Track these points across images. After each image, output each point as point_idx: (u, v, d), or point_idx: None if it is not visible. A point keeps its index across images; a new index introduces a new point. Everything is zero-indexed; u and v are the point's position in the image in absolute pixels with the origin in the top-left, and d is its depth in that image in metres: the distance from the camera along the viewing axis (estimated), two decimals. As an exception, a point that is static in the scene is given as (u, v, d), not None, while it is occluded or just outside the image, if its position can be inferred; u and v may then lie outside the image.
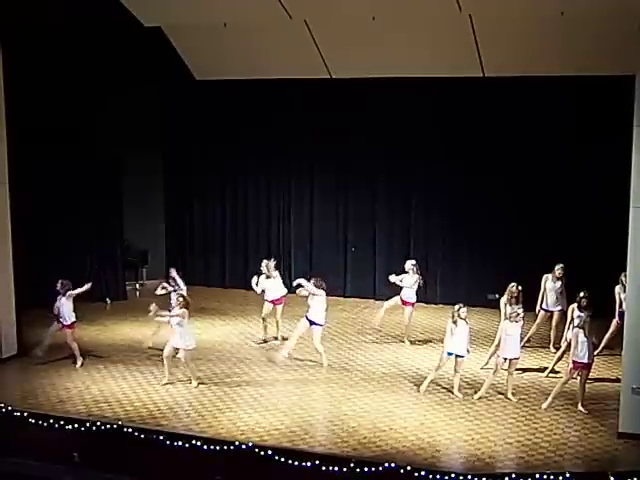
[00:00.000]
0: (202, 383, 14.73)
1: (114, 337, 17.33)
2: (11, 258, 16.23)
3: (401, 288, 17.00)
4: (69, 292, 15.59)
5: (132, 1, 16.97)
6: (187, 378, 14.94)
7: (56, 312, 15.58)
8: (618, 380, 13.78)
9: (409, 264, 16.98)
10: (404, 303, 17.03)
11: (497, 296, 16.01)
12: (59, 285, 15.69)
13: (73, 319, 15.68)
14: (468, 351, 14.30)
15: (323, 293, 15.65)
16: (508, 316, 14.23)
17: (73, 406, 13.82)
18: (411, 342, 17.07)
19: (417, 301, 19.51)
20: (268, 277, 16.90)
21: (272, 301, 16.88)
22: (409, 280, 16.87)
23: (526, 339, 16.10)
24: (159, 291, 16.57)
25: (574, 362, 13.46)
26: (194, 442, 12.36)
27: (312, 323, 15.58)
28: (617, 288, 15.32)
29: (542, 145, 18.44)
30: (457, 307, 14.11)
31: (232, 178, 21.42)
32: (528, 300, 15.56)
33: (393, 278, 16.95)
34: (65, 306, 15.57)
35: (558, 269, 16.22)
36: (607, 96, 17.14)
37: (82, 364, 15.69)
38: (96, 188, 19.84)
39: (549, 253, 17.33)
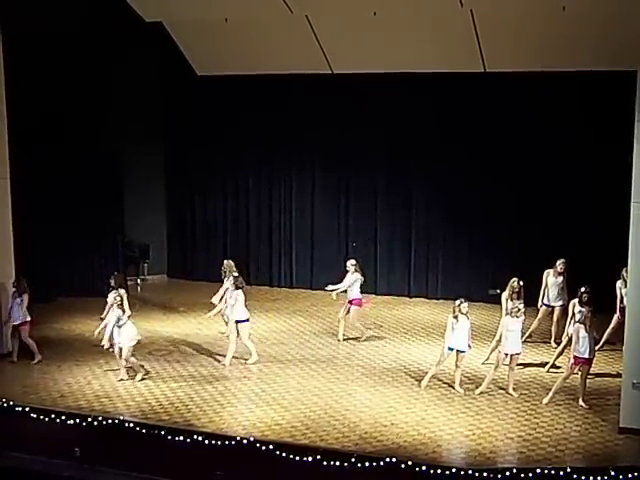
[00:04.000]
0: (144, 378, 14.73)
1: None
2: (12, 255, 16.23)
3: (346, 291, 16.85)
4: (24, 296, 15.51)
5: (133, -4, 17.00)
6: (187, 374, 15.07)
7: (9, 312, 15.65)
8: (619, 375, 13.79)
9: (349, 264, 16.89)
10: (350, 302, 16.80)
11: (498, 291, 16.00)
12: (14, 284, 15.70)
13: (24, 319, 15.60)
14: (469, 346, 14.29)
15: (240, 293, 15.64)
16: (509, 311, 14.22)
17: (74, 401, 13.83)
18: (358, 339, 16.92)
19: (417, 295, 19.75)
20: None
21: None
22: (349, 279, 16.74)
23: (527, 334, 16.08)
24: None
25: (575, 357, 13.46)
26: (195, 437, 12.37)
27: (237, 322, 15.52)
28: (618, 283, 15.30)
29: (543, 140, 18.43)
30: (458, 302, 14.10)
31: (233, 173, 21.41)
32: (529, 295, 15.57)
33: (331, 287, 16.89)
34: (18, 306, 15.52)
35: (559, 264, 16.20)
36: (608, 91, 17.13)
37: (39, 362, 15.66)
38: (98, 183, 19.84)
39: (550, 248, 17.32)
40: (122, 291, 15.66)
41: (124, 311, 14.82)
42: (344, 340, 16.90)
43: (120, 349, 14.77)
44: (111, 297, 15.13)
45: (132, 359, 14.83)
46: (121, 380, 14.67)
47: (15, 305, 15.57)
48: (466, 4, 15.65)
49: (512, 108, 18.50)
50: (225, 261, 16.80)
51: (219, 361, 15.69)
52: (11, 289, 15.83)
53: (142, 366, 15.06)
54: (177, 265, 22.28)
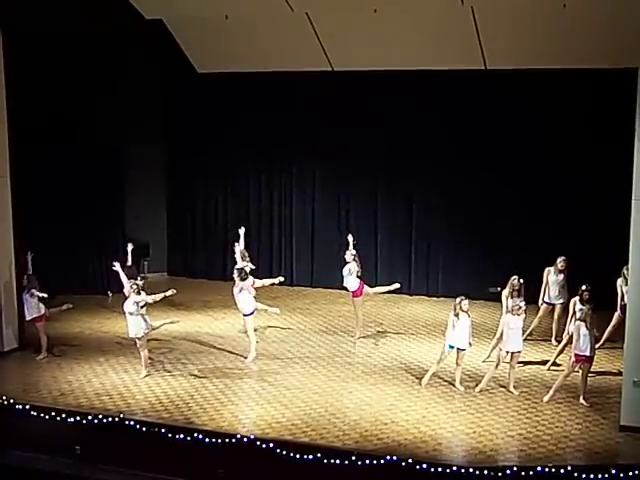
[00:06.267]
0: (148, 375, 14.83)
1: (116, 330, 17.32)
2: (13, 252, 16.24)
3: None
4: (32, 291, 15.64)
5: (133, -7, 16.99)
6: (188, 372, 15.10)
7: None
8: (620, 373, 13.80)
9: (349, 254, 16.85)
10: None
11: (499, 289, 15.97)
12: (25, 280, 15.80)
13: (38, 313, 15.73)
14: (470, 344, 14.28)
15: (245, 284, 15.65)
16: (510, 309, 14.22)
17: (75, 399, 13.83)
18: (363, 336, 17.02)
19: (417, 293, 19.77)
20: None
21: None
22: (346, 269, 16.79)
23: (528, 332, 16.06)
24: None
25: (576, 355, 13.46)
26: (196, 435, 12.38)
27: (244, 315, 15.69)
28: (619, 281, 15.29)
29: (543, 138, 18.40)
30: (459, 300, 14.08)
31: (233, 170, 21.39)
32: (530, 293, 15.55)
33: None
34: (29, 301, 15.66)
35: (560, 262, 16.19)
36: (609, 89, 17.10)
37: (44, 358, 15.78)
38: (98, 182, 19.83)
39: (551, 246, 17.29)
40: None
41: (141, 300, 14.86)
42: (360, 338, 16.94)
43: (136, 340, 14.85)
44: (127, 287, 15.14)
45: (145, 352, 14.89)
46: (145, 376, 14.77)
47: (25, 301, 15.68)
48: (467, 1, 15.64)
49: (513, 106, 18.46)
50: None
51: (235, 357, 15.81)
52: (14, 287, 15.93)
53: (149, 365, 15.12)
54: (177, 263, 22.26)
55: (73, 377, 14.85)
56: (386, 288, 17.32)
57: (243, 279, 15.64)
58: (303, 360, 15.75)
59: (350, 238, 17.21)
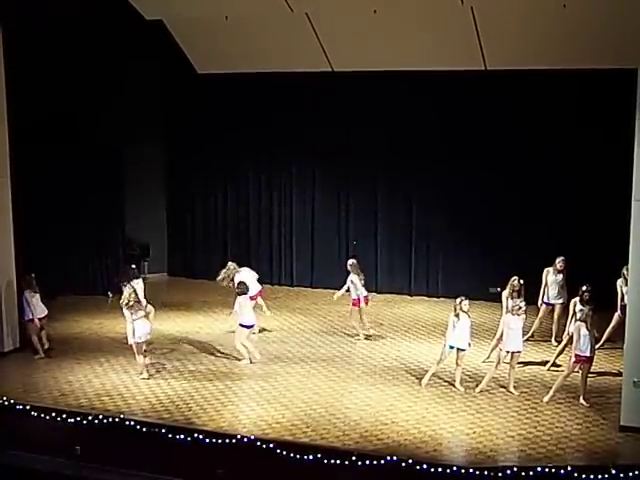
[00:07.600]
0: (150, 376, 14.83)
1: (116, 330, 17.30)
2: (13, 252, 16.24)
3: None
4: (24, 293, 15.69)
5: (134, -6, 16.99)
6: (188, 372, 15.11)
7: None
8: (620, 374, 13.80)
9: (349, 263, 16.90)
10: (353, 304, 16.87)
11: (499, 289, 16.01)
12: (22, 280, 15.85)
13: (29, 316, 15.74)
14: (470, 344, 14.30)
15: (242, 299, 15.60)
16: (510, 309, 14.23)
17: (75, 399, 13.84)
18: (366, 337, 16.95)
19: (417, 294, 19.73)
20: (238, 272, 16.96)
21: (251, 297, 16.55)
22: (349, 279, 16.74)
23: (530, 334, 16.11)
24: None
25: (576, 355, 13.47)
26: (196, 435, 12.38)
27: (241, 325, 15.55)
28: (619, 281, 15.31)
29: (543, 138, 18.39)
30: (459, 300, 14.10)
31: (233, 171, 21.38)
32: (530, 293, 15.56)
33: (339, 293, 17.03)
34: (25, 302, 15.69)
35: (559, 262, 16.21)
36: (609, 89, 17.10)
37: (41, 358, 15.80)
38: (98, 182, 19.80)
39: (550, 246, 17.31)
40: (136, 282, 15.89)
41: (139, 305, 14.87)
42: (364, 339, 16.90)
43: (133, 344, 14.80)
44: (126, 292, 15.14)
45: (141, 356, 14.85)
46: (143, 378, 14.72)
47: (23, 302, 15.73)
48: (467, 2, 15.64)
49: (513, 106, 18.45)
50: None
51: (227, 359, 15.80)
52: (15, 288, 16.02)
53: (148, 365, 15.10)
54: (177, 263, 22.26)
55: (73, 377, 14.86)
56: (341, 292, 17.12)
57: (239, 294, 15.61)
58: (303, 360, 15.75)
59: (348, 263, 17.06)
